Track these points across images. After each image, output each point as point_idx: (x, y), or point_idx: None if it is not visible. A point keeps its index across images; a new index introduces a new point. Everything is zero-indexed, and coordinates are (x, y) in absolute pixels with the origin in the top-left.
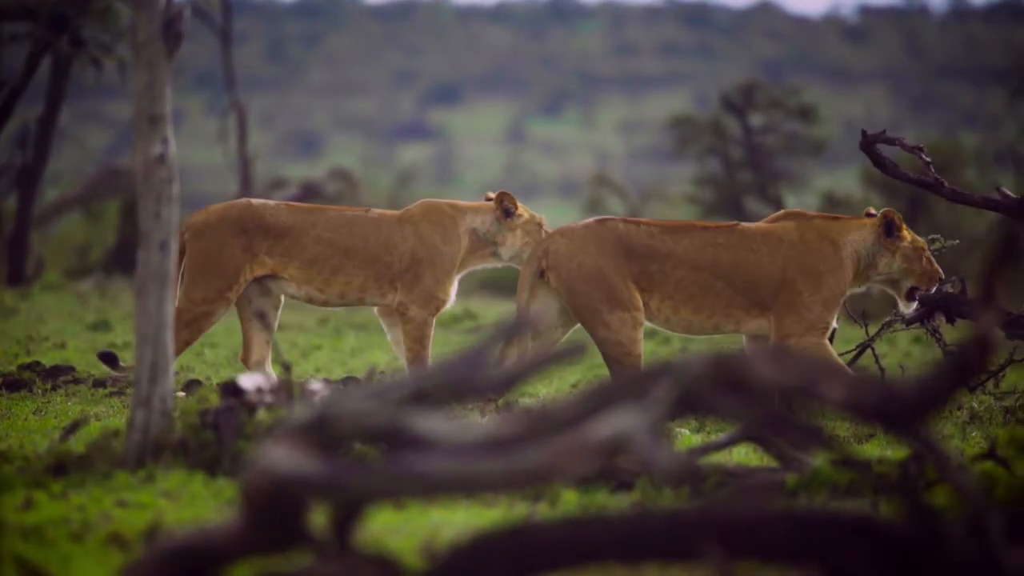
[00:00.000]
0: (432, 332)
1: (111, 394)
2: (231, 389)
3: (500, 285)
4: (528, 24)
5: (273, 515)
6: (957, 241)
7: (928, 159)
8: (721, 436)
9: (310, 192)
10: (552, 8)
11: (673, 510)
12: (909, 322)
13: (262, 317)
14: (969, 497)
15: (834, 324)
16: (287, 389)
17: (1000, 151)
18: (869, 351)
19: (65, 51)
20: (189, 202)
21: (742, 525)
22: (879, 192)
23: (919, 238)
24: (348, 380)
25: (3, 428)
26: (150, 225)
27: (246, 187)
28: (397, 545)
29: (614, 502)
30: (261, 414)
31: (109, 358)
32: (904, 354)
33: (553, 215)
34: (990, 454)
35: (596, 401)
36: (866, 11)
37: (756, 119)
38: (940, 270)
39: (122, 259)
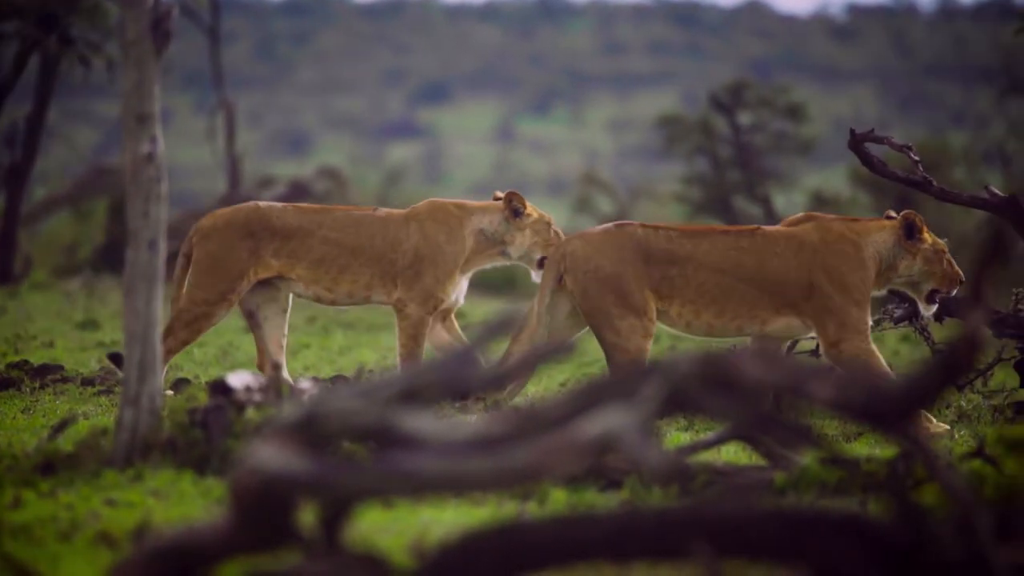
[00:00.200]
0: (427, 330)
1: (99, 393)
2: (220, 388)
3: (489, 284)
4: (517, 23)
5: (262, 514)
6: (946, 240)
7: (916, 158)
8: (710, 435)
9: (298, 190)
10: (541, 7)
11: (662, 509)
12: (897, 320)
13: (251, 316)
14: (957, 496)
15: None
16: (276, 388)
17: (988, 150)
18: None
19: (54, 50)
20: (177, 201)
21: (731, 524)
22: (867, 191)
23: (939, 240)
24: (337, 379)
25: None
26: (138, 224)
27: (234, 186)
28: (386, 544)
29: (603, 501)
30: (250, 413)
31: (118, 359)
32: (892, 352)
33: None
34: (978, 453)
35: (585, 400)
36: (854, 10)
37: (744, 118)
38: (961, 272)
39: (110, 258)
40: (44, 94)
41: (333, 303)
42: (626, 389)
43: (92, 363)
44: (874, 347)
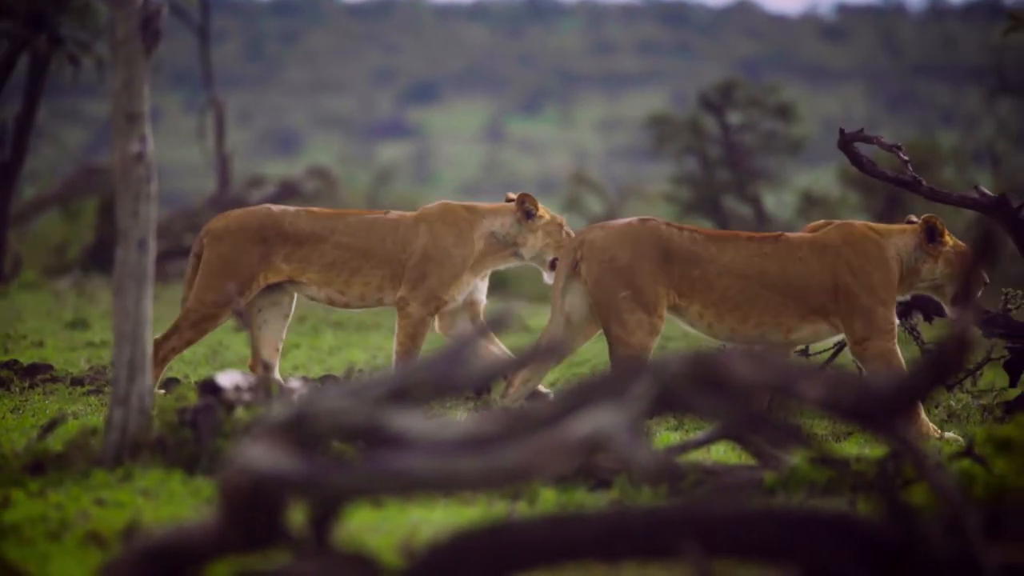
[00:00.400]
0: (427, 331)
1: (89, 392)
2: (209, 387)
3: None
4: (506, 22)
5: (251, 513)
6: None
7: (906, 157)
8: (699, 434)
9: (288, 190)
10: (530, 6)
11: (652, 508)
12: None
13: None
14: (947, 496)
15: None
16: (265, 387)
17: (978, 150)
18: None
19: (43, 49)
20: (167, 200)
21: (720, 523)
22: (857, 191)
23: (960, 243)
24: (326, 378)
25: None
26: (128, 223)
27: (224, 185)
28: (375, 543)
29: (593, 500)
30: (239, 412)
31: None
32: None
33: None
34: (968, 452)
35: (575, 399)
36: (844, 10)
37: (734, 117)
38: (985, 275)
39: (100, 257)
40: (33, 93)
41: (346, 306)
42: (616, 389)
43: (81, 363)
44: (897, 348)
